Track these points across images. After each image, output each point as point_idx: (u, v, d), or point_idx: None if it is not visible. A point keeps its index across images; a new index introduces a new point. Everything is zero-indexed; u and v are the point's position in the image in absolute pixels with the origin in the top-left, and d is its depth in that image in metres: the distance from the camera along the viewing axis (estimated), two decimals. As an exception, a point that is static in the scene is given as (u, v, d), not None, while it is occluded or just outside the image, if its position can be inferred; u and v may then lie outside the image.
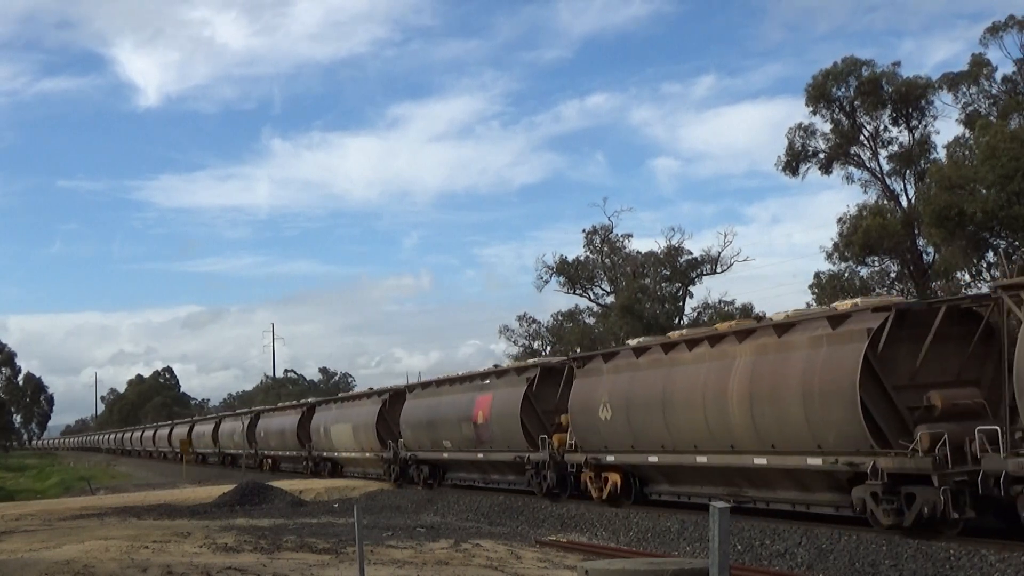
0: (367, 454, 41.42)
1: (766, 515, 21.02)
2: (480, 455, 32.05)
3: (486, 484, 33.53)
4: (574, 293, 68.82)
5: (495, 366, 34.63)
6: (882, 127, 50.17)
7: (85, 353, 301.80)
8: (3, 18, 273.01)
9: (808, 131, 50.52)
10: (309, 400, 56.76)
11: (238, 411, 77.19)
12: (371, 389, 44.84)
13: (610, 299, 66.97)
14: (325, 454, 47.50)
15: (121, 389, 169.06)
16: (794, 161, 51.12)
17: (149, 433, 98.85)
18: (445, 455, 34.54)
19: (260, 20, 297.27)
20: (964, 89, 47.90)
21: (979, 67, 47.40)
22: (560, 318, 70.59)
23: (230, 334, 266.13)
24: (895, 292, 46.66)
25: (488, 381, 32.37)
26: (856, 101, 49.28)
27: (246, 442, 60.64)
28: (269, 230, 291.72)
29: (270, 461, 57.69)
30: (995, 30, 46.16)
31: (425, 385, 37.72)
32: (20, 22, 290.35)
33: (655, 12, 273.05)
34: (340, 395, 56.59)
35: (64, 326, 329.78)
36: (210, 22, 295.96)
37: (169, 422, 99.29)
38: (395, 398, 39.59)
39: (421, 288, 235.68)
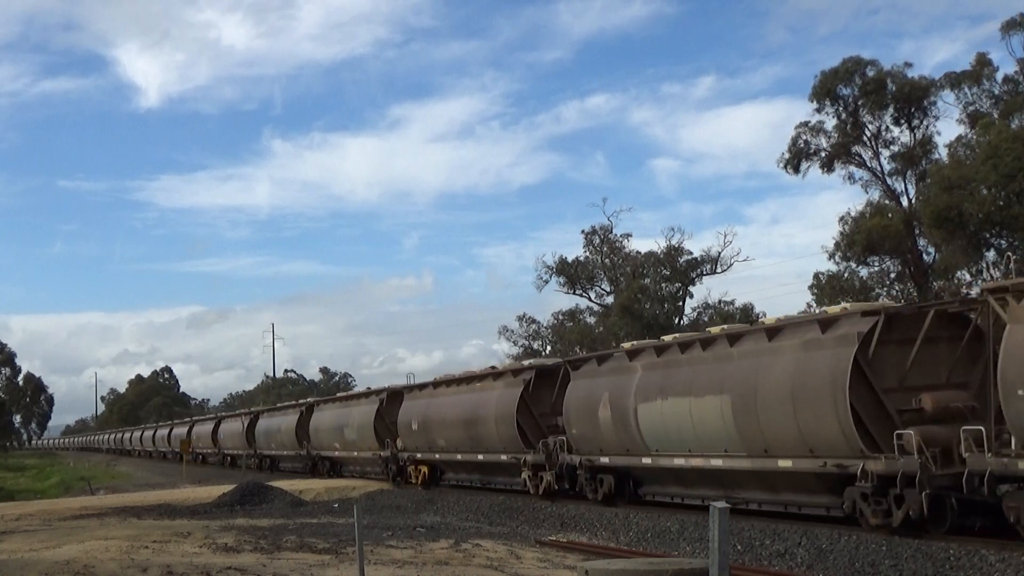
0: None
1: (766, 515, 21.02)
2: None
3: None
4: (574, 293, 68.92)
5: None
6: (884, 127, 50.23)
7: (87, 353, 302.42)
8: (4, 19, 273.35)
9: (813, 128, 50.58)
10: (308, 400, 56.70)
11: (238, 411, 77.22)
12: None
13: (610, 299, 67.01)
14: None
15: (122, 389, 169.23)
16: (796, 159, 51.17)
17: (149, 433, 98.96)
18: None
19: (266, 22, 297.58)
20: (966, 89, 47.94)
21: (982, 66, 47.44)
22: (560, 318, 70.67)
23: (232, 334, 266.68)
24: (895, 292, 46.70)
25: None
26: (860, 100, 49.32)
27: (245, 442, 60.84)
28: (269, 230, 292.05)
29: (269, 461, 57.76)
30: (1009, 27, 46.07)
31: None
32: (21, 23, 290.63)
33: (655, 13, 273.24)
34: (338, 395, 56.51)
35: (66, 326, 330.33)
36: (216, 24, 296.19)
37: (169, 422, 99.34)
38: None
39: (423, 288, 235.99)
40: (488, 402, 31.38)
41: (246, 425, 61.54)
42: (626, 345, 27.15)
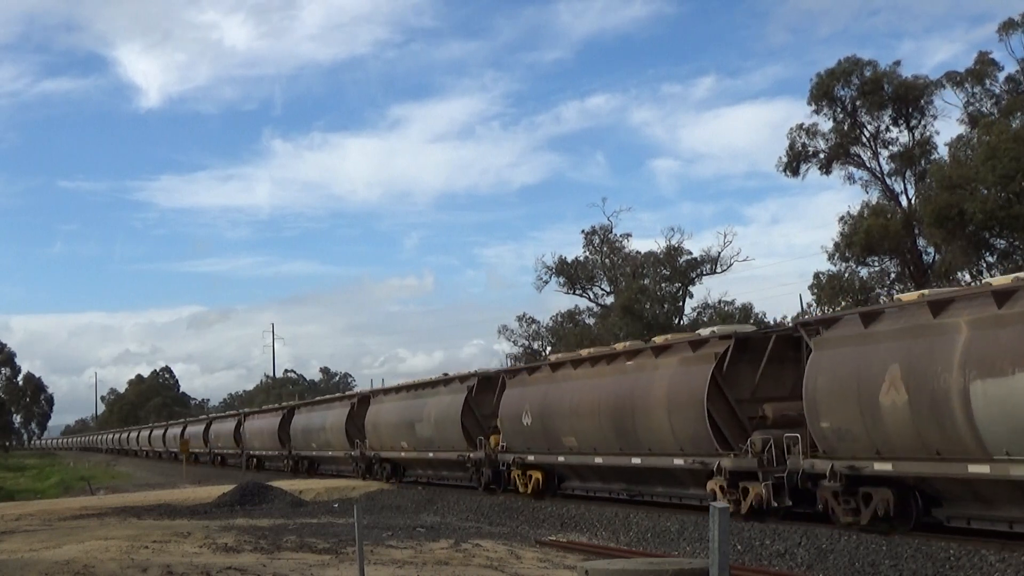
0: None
1: (766, 515, 21.06)
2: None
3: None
4: (574, 293, 68.91)
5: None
6: (883, 127, 50.23)
7: (88, 353, 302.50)
8: (5, 19, 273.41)
9: (809, 131, 50.57)
10: (289, 404, 59.01)
11: (227, 412, 79.10)
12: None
13: (610, 299, 67.01)
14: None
15: (122, 389, 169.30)
16: (795, 161, 51.18)
17: (147, 433, 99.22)
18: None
19: (268, 23, 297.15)
20: (968, 88, 47.97)
21: (984, 66, 47.47)
22: (560, 318, 70.64)
23: (232, 334, 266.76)
24: (895, 292, 46.72)
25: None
26: (858, 101, 49.32)
27: (234, 442, 61.88)
28: (270, 230, 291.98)
29: (255, 460, 59.88)
30: (1007, 27, 46.11)
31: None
32: (22, 23, 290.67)
33: (655, 13, 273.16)
34: (316, 399, 58.86)
35: (67, 326, 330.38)
36: (218, 25, 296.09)
37: (164, 423, 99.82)
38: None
39: (423, 288, 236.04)
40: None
41: (234, 426, 62.63)
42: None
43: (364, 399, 42.62)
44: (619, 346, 27.36)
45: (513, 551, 19.81)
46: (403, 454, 37.68)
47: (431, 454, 35.29)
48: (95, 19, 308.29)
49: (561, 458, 27.47)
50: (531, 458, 29.02)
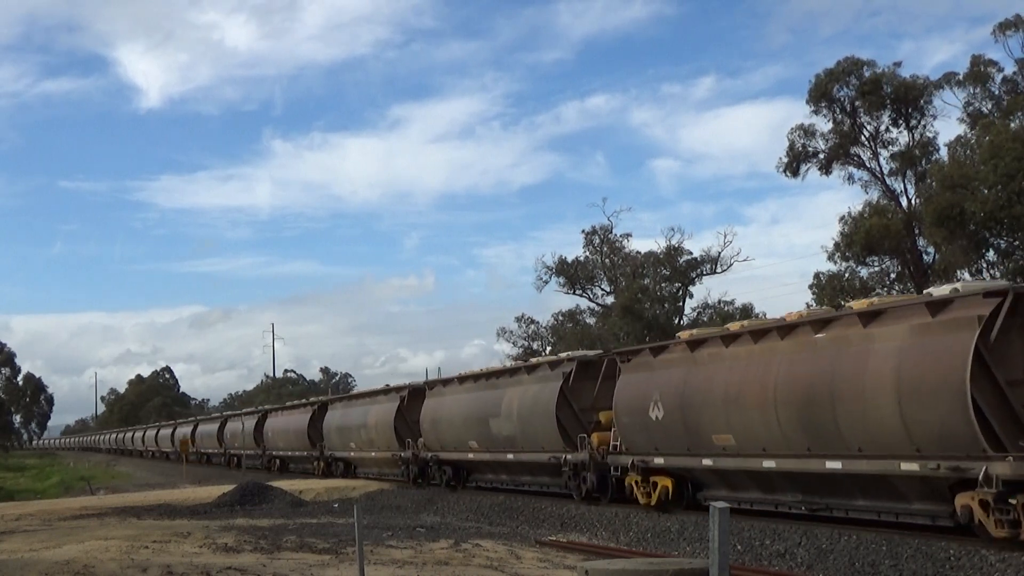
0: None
1: (766, 515, 21.04)
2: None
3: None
4: (574, 293, 68.90)
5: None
6: (883, 127, 50.22)
7: (89, 353, 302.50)
8: (5, 20, 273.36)
9: (809, 132, 50.56)
10: (320, 398, 55.51)
11: (245, 410, 75.82)
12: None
13: (610, 299, 67.01)
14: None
15: (122, 389, 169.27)
16: (795, 162, 51.18)
17: (151, 433, 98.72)
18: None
19: (270, 23, 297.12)
20: (969, 88, 47.97)
21: (982, 66, 47.47)
22: (560, 318, 70.63)
23: (233, 334, 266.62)
24: (895, 292, 46.71)
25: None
26: (857, 101, 49.30)
27: (253, 442, 60.05)
28: (270, 230, 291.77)
29: (278, 462, 56.24)
30: (1004, 28, 46.13)
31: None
32: (22, 24, 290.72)
33: (656, 14, 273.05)
34: (355, 392, 54.86)
35: (68, 326, 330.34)
36: (220, 25, 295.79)
37: (172, 422, 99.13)
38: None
39: (424, 289, 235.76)
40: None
41: (254, 425, 61.47)
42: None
43: (417, 392, 37.63)
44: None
45: (513, 551, 19.81)
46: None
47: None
48: (96, 19, 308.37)
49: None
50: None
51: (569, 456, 26.83)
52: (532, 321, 72.18)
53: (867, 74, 48.91)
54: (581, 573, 10.74)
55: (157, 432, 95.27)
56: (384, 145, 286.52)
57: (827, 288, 48.23)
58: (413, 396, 37.92)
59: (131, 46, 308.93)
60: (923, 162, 48.81)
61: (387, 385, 43.74)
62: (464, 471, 34.69)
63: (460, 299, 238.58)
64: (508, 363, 48.66)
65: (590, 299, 69.02)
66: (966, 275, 43.85)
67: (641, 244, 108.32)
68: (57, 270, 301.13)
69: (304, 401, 58.07)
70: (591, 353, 29.13)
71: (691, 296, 64.44)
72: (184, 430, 79.88)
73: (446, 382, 36.25)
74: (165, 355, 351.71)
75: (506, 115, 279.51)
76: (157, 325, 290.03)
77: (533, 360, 33.01)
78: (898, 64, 50.24)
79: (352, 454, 44.05)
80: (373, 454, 41.01)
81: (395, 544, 20.71)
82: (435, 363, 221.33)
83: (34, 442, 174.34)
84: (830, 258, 48.60)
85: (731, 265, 63.20)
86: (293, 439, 52.35)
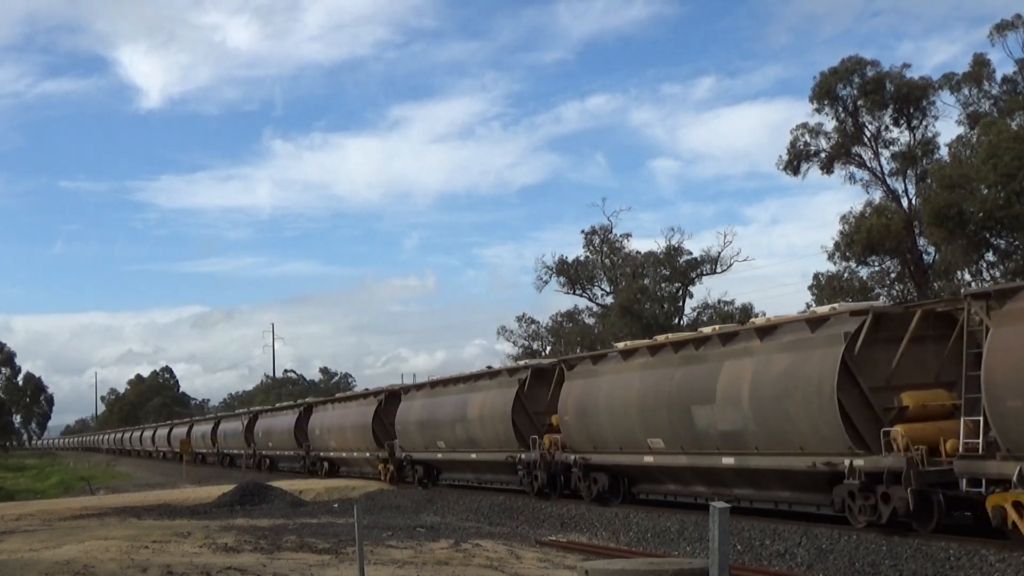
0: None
1: (766, 515, 21.04)
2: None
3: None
4: (574, 293, 68.87)
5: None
6: (884, 127, 50.17)
7: (90, 353, 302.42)
8: (6, 20, 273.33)
9: (811, 130, 50.52)
10: (307, 400, 56.69)
11: (237, 411, 77.26)
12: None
13: (610, 299, 66.98)
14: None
15: (123, 389, 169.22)
16: (796, 160, 51.12)
17: (149, 433, 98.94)
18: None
19: (272, 24, 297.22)
20: (965, 89, 47.93)
21: (980, 67, 47.43)
22: (560, 318, 70.60)
23: (234, 334, 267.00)
24: (895, 292, 46.73)
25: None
26: (859, 101, 49.26)
27: (244, 442, 60.90)
28: (271, 231, 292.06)
29: (268, 461, 57.86)
30: (1001, 28, 46.12)
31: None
32: (23, 24, 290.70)
33: (656, 14, 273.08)
34: (337, 395, 56.46)
35: (69, 326, 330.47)
36: (222, 26, 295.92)
37: (169, 422, 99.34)
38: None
39: (425, 289, 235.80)
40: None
41: (245, 425, 62.08)
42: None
43: (393, 395, 39.91)
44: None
45: (513, 551, 19.81)
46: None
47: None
48: (97, 20, 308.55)
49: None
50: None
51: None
52: (532, 321, 72.24)
53: (870, 74, 48.87)
54: (581, 573, 10.74)
55: (155, 432, 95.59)
56: (384, 145, 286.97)
57: (827, 288, 48.23)
58: (390, 399, 40.10)
59: (133, 47, 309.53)
60: (924, 162, 48.78)
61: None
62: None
63: (461, 299, 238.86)
64: (508, 363, 49.35)
65: (590, 299, 69.05)
66: (966, 275, 43.88)
67: (641, 244, 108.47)
68: (58, 270, 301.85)
69: (291, 403, 59.16)
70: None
71: (691, 296, 64.48)
72: (180, 430, 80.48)
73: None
74: (166, 355, 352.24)
75: (506, 115, 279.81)
76: (158, 325, 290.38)
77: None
78: (907, 66, 50.19)
79: (334, 454, 46.19)
80: (355, 454, 43.06)
81: (395, 544, 20.70)
82: (436, 363, 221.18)
83: (34, 442, 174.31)
84: (830, 258, 48.61)
85: (731, 265, 63.23)
86: (281, 439, 54.01)
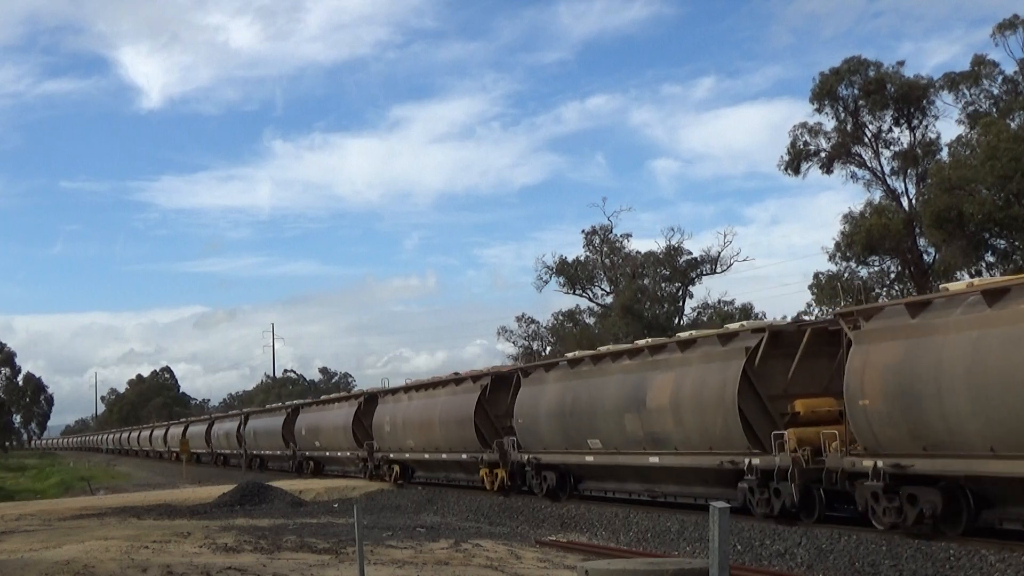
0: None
1: (766, 515, 21.06)
2: (443, 455, 34.80)
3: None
4: (574, 293, 68.83)
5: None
6: (885, 127, 50.14)
7: (91, 353, 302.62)
8: (7, 21, 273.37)
9: (812, 130, 50.49)
10: (294, 402, 58.17)
11: (230, 412, 78.89)
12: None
13: (610, 299, 66.95)
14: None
15: (123, 389, 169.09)
16: (796, 160, 51.09)
17: (148, 433, 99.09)
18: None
19: (274, 25, 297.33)
20: (965, 89, 47.90)
21: (981, 67, 47.40)
22: (560, 318, 70.55)
23: (235, 335, 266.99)
24: (895, 292, 46.71)
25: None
26: (860, 101, 49.24)
27: (236, 442, 61.91)
28: (271, 231, 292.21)
29: (259, 460, 59.51)
30: (1003, 28, 46.10)
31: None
32: (24, 25, 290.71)
33: (655, 15, 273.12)
34: (321, 398, 58.02)
35: (70, 326, 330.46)
36: (225, 27, 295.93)
37: (166, 423, 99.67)
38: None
39: (426, 289, 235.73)
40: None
41: (237, 426, 62.95)
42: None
43: (372, 398, 42.33)
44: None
45: (513, 551, 19.81)
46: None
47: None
48: (99, 21, 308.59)
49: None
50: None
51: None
52: (532, 321, 72.16)
53: (871, 74, 48.83)
54: (581, 573, 10.73)
55: (151, 432, 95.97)
56: (384, 145, 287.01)
57: (827, 288, 48.21)
58: (368, 402, 42.52)
59: (136, 47, 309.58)
60: (924, 162, 48.76)
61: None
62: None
63: (461, 299, 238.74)
64: (509, 363, 50.05)
65: (590, 299, 69.01)
66: (965, 276, 43.84)
67: (641, 244, 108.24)
68: (58, 270, 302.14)
69: (279, 405, 60.27)
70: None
71: (691, 296, 64.47)
72: (176, 431, 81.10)
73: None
74: (168, 355, 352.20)
75: (506, 115, 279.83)
76: (159, 325, 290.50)
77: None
78: (901, 63, 50.18)
79: (318, 453, 48.53)
80: (337, 453, 45.55)
81: (395, 544, 20.71)
82: (437, 363, 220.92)
83: (34, 442, 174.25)
84: (831, 258, 48.59)
85: (731, 265, 63.22)
86: (271, 439, 55.55)
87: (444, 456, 34.87)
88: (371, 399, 42.11)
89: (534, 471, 29.33)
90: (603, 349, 27.88)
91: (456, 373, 37.30)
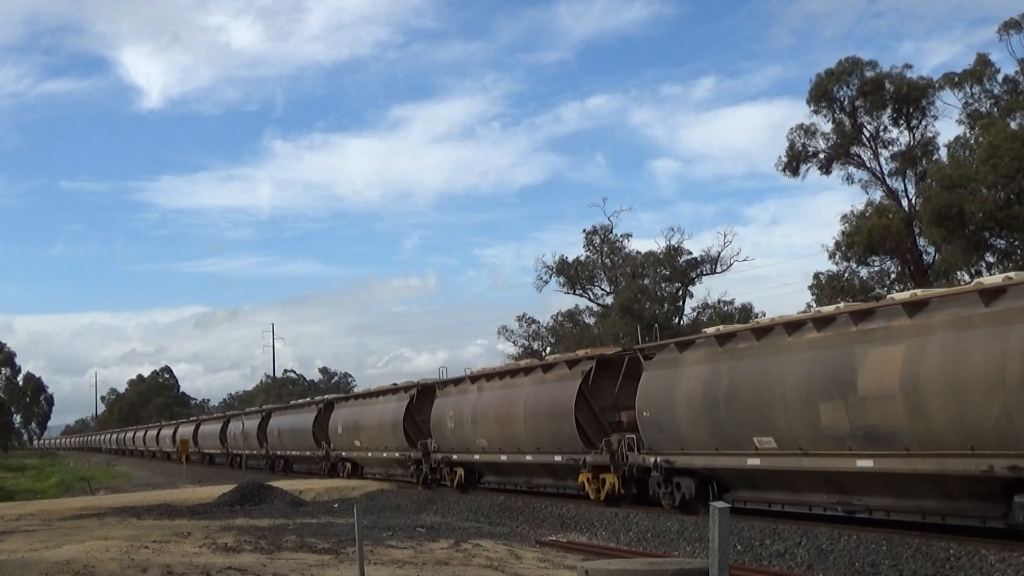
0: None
1: (766, 515, 21.05)
2: (527, 457, 29.80)
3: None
4: (574, 293, 68.84)
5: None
6: (883, 127, 50.14)
7: (91, 354, 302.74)
8: (8, 21, 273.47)
9: (809, 131, 50.50)
10: (326, 397, 55.69)
11: (248, 410, 74.89)
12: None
13: (610, 299, 66.96)
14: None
15: (123, 389, 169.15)
16: (795, 161, 51.11)
17: (152, 433, 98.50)
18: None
19: (275, 25, 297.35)
20: (967, 88, 47.90)
21: (983, 66, 47.40)
22: (560, 318, 70.57)
23: (236, 334, 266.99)
24: (895, 292, 46.64)
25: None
26: (858, 101, 49.23)
27: (256, 442, 59.69)
28: (271, 231, 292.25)
29: (282, 462, 56.11)
30: (1007, 27, 46.10)
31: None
32: (25, 25, 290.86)
33: (655, 15, 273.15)
34: (363, 391, 53.98)
35: (70, 327, 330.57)
36: (226, 28, 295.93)
37: (173, 422, 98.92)
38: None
39: (427, 289, 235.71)
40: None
41: (257, 424, 61.47)
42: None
43: (427, 390, 37.33)
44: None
45: (513, 551, 19.81)
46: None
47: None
48: (99, 21, 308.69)
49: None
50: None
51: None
52: (533, 321, 72.18)
53: (869, 74, 48.82)
54: (581, 573, 10.73)
55: (145, 433, 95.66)
56: (384, 145, 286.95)
57: (827, 288, 48.21)
58: (422, 395, 37.96)
59: (137, 48, 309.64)
60: (924, 162, 48.75)
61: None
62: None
63: (461, 299, 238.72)
64: (513, 361, 49.88)
65: (590, 299, 69.01)
66: (965, 276, 43.85)
67: (641, 244, 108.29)
68: (59, 270, 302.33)
69: (308, 400, 58.81)
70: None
71: (691, 296, 64.48)
72: (186, 429, 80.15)
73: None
74: (168, 355, 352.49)
75: (506, 115, 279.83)
76: (159, 325, 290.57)
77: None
78: (908, 66, 50.09)
79: (357, 454, 45.15)
80: (383, 454, 41.09)
81: (395, 544, 20.71)
82: (438, 363, 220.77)
83: (34, 442, 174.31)
84: (831, 258, 48.61)
85: (731, 265, 63.23)
86: (298, 439, 53.04)
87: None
88: (426, 391, 37.00)
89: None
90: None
91: (540, 357, 35.79)
